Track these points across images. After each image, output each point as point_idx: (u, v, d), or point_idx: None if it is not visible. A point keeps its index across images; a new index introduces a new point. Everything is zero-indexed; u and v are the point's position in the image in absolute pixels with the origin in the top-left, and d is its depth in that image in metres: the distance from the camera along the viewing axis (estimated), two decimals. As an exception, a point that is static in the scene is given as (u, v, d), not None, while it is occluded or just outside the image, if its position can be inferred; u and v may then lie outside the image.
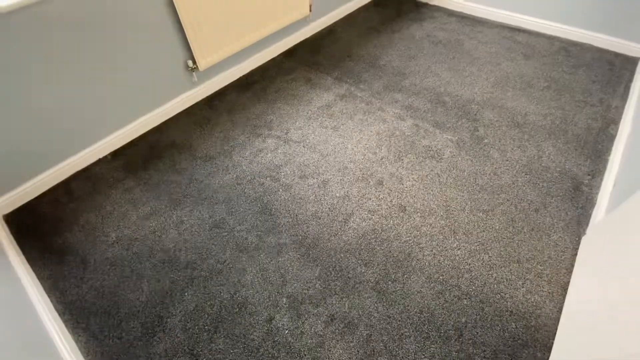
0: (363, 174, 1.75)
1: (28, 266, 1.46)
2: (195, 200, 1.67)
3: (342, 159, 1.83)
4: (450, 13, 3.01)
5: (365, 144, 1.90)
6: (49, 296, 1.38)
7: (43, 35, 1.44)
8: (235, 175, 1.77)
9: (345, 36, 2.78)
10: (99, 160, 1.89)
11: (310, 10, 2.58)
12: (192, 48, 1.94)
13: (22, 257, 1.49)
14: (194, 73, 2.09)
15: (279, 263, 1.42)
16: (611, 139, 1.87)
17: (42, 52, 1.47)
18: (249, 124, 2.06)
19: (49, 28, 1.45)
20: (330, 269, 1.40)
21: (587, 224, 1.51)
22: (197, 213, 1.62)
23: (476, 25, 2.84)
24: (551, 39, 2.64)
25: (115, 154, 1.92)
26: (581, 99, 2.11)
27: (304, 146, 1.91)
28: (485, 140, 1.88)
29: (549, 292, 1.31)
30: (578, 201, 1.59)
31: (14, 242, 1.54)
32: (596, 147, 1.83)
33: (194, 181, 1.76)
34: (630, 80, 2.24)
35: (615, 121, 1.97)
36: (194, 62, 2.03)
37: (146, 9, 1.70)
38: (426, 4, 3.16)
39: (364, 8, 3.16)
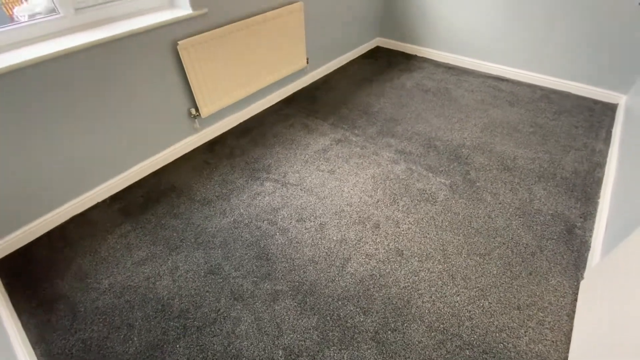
0: (360, 217, 1.77)
1: (15, 316, 1.40)
2: (192, 245, 1.66)
3: (338, 202, 1.86)
4: (438, 64, 3.24)
5: (361, 187, 1.94)
6: (34, 348, 1.31)
7: (46, 85, 1.54)
8: (232, 219, 1.78)
9: (340, 85, 2.96)
10: (97, 204, 1.90)
11: (307, 63, 2.77)
12: (195, 98, 2.05)
13: (10, 305, 1.44)
14: (196, 120, 2.19)
15: (274, 312, 1.38)
16: (599, 182, 1.93)
17: (45, 100, 1.55)
18: (247, 167, 2.12)
19: (53, 79, 1.55)
20: (328, 317, 1.36)
21: (584, 268, 1.51)
22: (192, 258, 1.60)
23: (462, 75, 3.05)
24: (533, 87, 2.83)
25: (114, 198, 1.94)
26: (566, 143, 2.21)
27: (301, 189, 1.95)
28: (478, 184, 1.94)
29: (553, 341, 1.28)
30: (573, 244, 1.60)
31: (3, 290, 1.49)
32: (585, 190, 1.88)
33: (191, 225, 1.76)
34: (611, 125, 2.37)
35: (600, 164, 2.04)
36: (197, 110, 2.14)
37: (155, 63, 1.83)
38: (415, 56, 3.42)
39: (357, 60, 3.39)
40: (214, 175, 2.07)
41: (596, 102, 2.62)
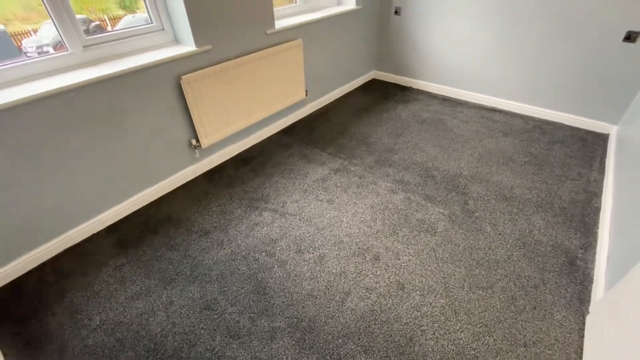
0: (359, 248, 1.75)
1: (1, 357, 1.34)
2: (187, 279, 1.62)
3: (337, 232, 1.85)
4: (432, 96, 3.35)
5: (360, 217, 1.93)
6: (15, 394, 1.24)
7: (49, 120, 1.56)
8: (230, 251, 1.76)
9: (338, 116, 3.03)
10: (93, 236, 1.87)
11: (306, 95, 2.86)
12: (196, 129, 2.09)
13: (-6, 345, 1.37)
14: (196, 150, 2.21)
15: (272, 351, 1.33)
16: (596, 211, 1.94)
17: (46, 134, 1.57)
18: (246, 197, 2.11)
19: (56, 113, 1.58)
20: (328, 357, 1.30)
21: (588, 301, 1.48)
22: (188, 293, 1.56)
23: (456, 106, 3.14)
24: (525, 118, 2.91)
25: (110, 229, 1.91)
26: (561, 173, 2.24)
27: (300, 219, 1.94)
28: (477, 214, 1.94)
29: (563, 382, 1.22)
30: (575, 276, 1.58)
31: (-12, 328, 1.43)
32: (584, 220, 1.88)
33: (188, 257, 1.73)
34: (603, 155, 2.41)
35: (597, 194, 2.06)
36: (197, 141, 2.17)
37: (158, 96, 1.88)
38: (410, 88, 3.53)
39: (355, 92, 3.50)
40: (212, 205, 2.06)
41: (588, 132, 2.69)
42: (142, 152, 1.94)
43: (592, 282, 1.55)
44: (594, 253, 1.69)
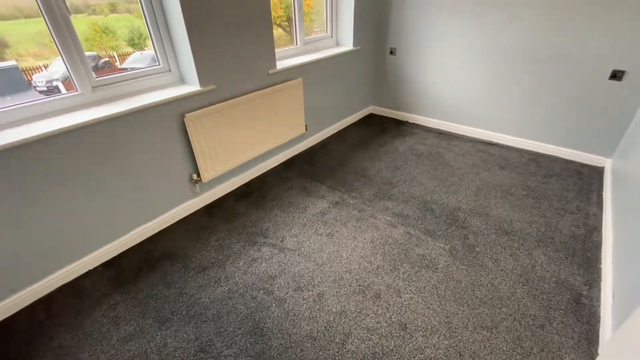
0: (359, 285, 1.72)
1: (-21, 406, 1.26)
2: (183, 318, 1.57)
3: (337, 268, 1.82)
4: (428, 130, 3.44)
5: (360, 252, 1.91)
6: None
7: (52, 158, 1.60)
8: (227, 288, 1.72)
9: (337, 149, 3.10)
10: (89, 272, 1.84)
11: (306, 129, 2.93)
12: (198, 164, 2.13)
13: (-24, 393, 1.30)
14: (197, 185, 2.24)
15: (269, 398, 1.26)
16: (598, 246, 1.92)
17: (48, 172, 1.60)
18: (245, 231, 2.10)
19: (60, 152, 1.61)
20: (327, 404, 1.24)
21: (596, 342, 1.42)
22: (182, 334, 1.50)
23: (452, 139, 3.21)
24: (521, 151, 2.97)
25: (107, 265, 1.88)
26: (559, 206, 2.25)
27: (299, 255, 1.91)
28: (477, 249, 1.92)
29: None
30: (582, 315, 1.53)
31: (-28, 373, 1.37)
32: (586, 255, 1.86)
33: (184, 295, 1.69)
34: (600, 188, 2.44)
35: (597, 228, 2.05)
36: (198, 175, 2.20)
37: (162, 134, 1.93)
38: (406, 122, 3.64)
39: (353, 126, 3.60)
40: (210, 240, 2.05)
41: (583, 165, 2.74)
42: (143, 187, 1.96)
43: (599, 321, 1.51)
44: (599, 290, 1.65)
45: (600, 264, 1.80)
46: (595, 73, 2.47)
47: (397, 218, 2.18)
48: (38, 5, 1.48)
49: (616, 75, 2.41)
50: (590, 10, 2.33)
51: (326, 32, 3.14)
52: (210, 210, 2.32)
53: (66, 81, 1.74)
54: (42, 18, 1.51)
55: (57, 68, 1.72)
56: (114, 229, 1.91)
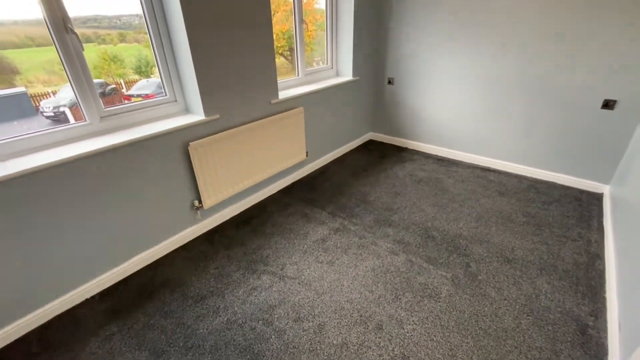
0: (361, 315, 1.68)
1: None
2: (180, 350, 1.53)
3: (338, 297, 1.79)
4: (427, 156, 3.49)
5: (361, 281, 1.89)
6: None
7: (55, 187, 1.62)
8: (226, 319, 1.69)
9: (337, 175, 3.13)
10: (86, 301, 1.81)
11: (306, 156, 2.98)
12: (200, 191, 2.15)
13: None
14: (198, 211, 2.25)
15: None
16: (601, 274, 1.90)
17: (50, 201, 1.62)
18: (245, 259, 2.09)
19: (64, 180, 1.64)
20: None
21: (608, 378, 1.38)
22: (179, 367, 1.46)
23: (451, 166, 3.26)
24: (519, 177, 3.00)
25: (104, 293, 1.86)
26: (560, 233, 2.25)
27: (299, 283, 1.89)
28: (480, 277, 1.90)
29: None
30: (589, 347, 1.49)
31: (-41, 410, 1.32)
32: (590, 284, 1.84)
33: (182, 326, 1.65)
34: (600, 215, 2.44)
35: (599, 256, 2.04)
36: (200, 202, 2.21)
37: (166, 161, 1.97)
38: (405, 148, 3.70)
39: (353, 152, 3.66)
40: (210, 267, 2.03)
41: (582, 191, 2.76)
42: (144, 215, 1.97)
43: (606, 354, 1.46)
44: (605, 321, 1.62)
45: (605, 293, 1.78)
46: (587, 102, 2.55)
47: (398, 245, 2.17)
48: (53, 41, 1.57)
49: (608, 105, 2.48)
50: (580, 43, 2.44)
51: (327, 64, 3.27)
52: (210, 236, 2.31)
53: (73, 107, 1.79)
54: (53, 47, 1.57)
55: (65, 94, 1.76)
56: (113, 257, 1.90)
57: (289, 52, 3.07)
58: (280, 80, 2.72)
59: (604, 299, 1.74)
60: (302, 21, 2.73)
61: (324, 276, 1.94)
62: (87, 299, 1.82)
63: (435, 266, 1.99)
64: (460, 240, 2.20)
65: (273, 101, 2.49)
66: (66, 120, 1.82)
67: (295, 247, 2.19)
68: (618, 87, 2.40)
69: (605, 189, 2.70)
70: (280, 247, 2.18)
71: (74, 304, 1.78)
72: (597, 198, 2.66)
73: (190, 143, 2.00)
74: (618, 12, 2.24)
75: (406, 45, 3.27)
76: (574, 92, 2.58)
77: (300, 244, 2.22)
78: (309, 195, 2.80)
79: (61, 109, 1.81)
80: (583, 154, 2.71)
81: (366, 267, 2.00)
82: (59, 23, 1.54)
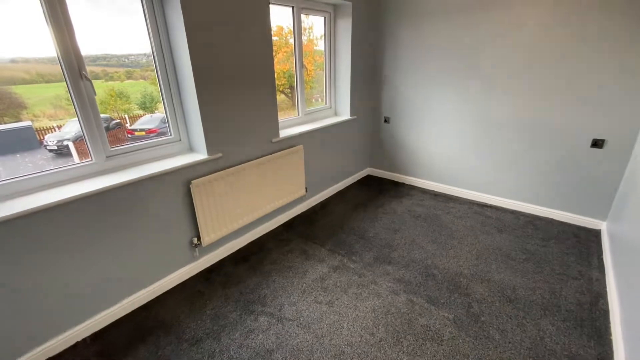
0: (361, 360, 1.62)
1: None
2: (172, 400, 1.46)
3: (338, 341, 1.74)
4: (424, 191, 3.54)
5: (362, 323, 1.84)
6: None
7: (53, 227, 1.63)
8: (221, 364, 1.62)
9: (337, 210, 3.15)
10: (77, 344, 1.74)
11: (306, 191, 3.02)
12: (199, 228, 2.16)
13: None
14: (196, 249, 2.23)
15: None
16: (605, 315, 1.87)
17: (47, 241, 1.62)
18: (242, 299, 2.05)
19: (64, 221, 1.65)
20: None
21: None
22: (171, 419, 1.38)
23: (448, 201, 3.29)
24: (516, 213, 3.02)
25: (96, 336, 1.80)
26: (561, 271, 2.23)
27: (297, 325, 1.84)
28: (482, 318, 1.86)
29: None
30: (601, 396, 1.43)
31: None
32: (595, 325, 1.80)
33: (175, 372, 1.58)
34: (599, 252, 2.44)
35: (602, 295, 2.01)
36: (199, 239, 2.21)
37: (167, 200, 1.99)
38: (403, 184, 3.76)
39: (352, 187, 3.71)
40: (206, 307, 1.98)
41: (579, 228, 2.77)
42: (142, 254, 1.96)
43: (620, 404, 1.40)
44: (614, 366, 1.57)
45: (610, 335, 1.74)
46: (577, 141, 2.65)
47: (398, 284, 2.14)
48: (68, 87, 1.66)
49: (597, 144, 2.58)
50: (568, 86, 2.59)
51: (325, 104, 3.42)
52: (208, 274, 2.28)
53: (77, 141, 1.83)
54: (61, 83, 1.63)
55: (70, 129, 1.81)
56: (109, 297, 1.86)
57: (289, 90, 3.23)
58: (281, 120, 2.83)
59: (610, 341, 1.70)
60: (302, 66, 2.90)
61: (323, 318, 1.89)
62: (77, 342, 1.75)
63: (436, 306, 1.95)
64: (461, 279, 2.18)
65: (274, 140, 2.57)
66: (69, 154, 1.87)
67: (294, 286, 2.15)
68: (606, 127, 2.51)
69: (602, 226, 2.72)
70: (278, 286, 2.15)
71: (63, 348, 1.71)
72: (595, 235, 2.67)
73: (193, 181, 2.04)
74: (603, 58, 2.40)
75: (400, 88, 3.44)
76: (564, 132, 2.68)
77: (299, 282, 2.18)
78: (309, 230, 2.80)
79: (65, 143, 1.86)
80: (578, 191, 2.76)
81: (366, 307, 1.96)
82: (75, 71, 1.64)
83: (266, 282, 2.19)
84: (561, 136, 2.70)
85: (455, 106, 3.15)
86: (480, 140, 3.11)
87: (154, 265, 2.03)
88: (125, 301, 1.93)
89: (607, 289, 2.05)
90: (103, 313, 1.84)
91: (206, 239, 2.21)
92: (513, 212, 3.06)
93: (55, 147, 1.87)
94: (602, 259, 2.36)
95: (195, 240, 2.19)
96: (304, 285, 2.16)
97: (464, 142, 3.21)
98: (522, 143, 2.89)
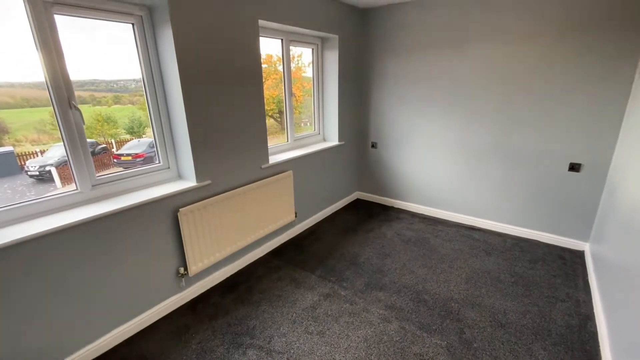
0: (354, 394, 1.57)
1: None
2: None
3: (330, 374, 1.68)
4: (413, 214, 3.58)
5: (354, 354, 1.80)
6: None
7: (34, 260, 1.57)
8: (208, 404, 1.53)
9: (326, 236, 3.14)
10: (50, 387, 1.63)
11: (295, 217, 3.01)
12: (186, 257, 2.11)
13: None
14: (182, 279, 2.17)
15: None
16: (594, 337, 1.88)
17: (28, 275, 1.55)
18: (230, 331, 1.97)
19: (44, 254, 1.60)
20: None
21: None
22: None
23: (437, 224, 3.33)
24: (503, 236, 3.08)
25: (73, 377, 1.68)
26: (549, 294, 2.25)
27: (288, 359, 1.77)
28: (475, 345, 1.84)
29: None
30: None
31: None
32: (585, 348, 1.81)
33: (158, 415, 1.49)
34: (585, 273, 2.49)
35: (590, 317, 2.04)
36: (185, 269, 2.15)
37: (154, 228, 1.95)
38: (392, 207, 3.79)
39: (341, 211, 3.72)
40: (192, 341, 1.90)
41: (564, 249, 2.83)
42: (126, 286, 1.89)
43: None
44: (607, 391, 1.56)
45: (600, 357, 1.74)
46: (555, 166, 2.77)
47: (390, 311, 2.12)
48: (56, 116, 1.65)
49: (574, 168, 2.70)
50: (546, 114, 2.73)
51: (314, 130, 3.49)
52: (194, 305, 2.20)
53: (59, 167, 1.80)
54: (45, 108, 1.60)
55: (53, 154, 1.77)
56: (89, 332, 1.76)
57: (278, 115, 3.29)
58: (271, 146, 2.86)
59: (602, 365, 1.70)
60: (291, 94, 2.99)
61: (314, 349, 1.83)
62: (52, 385, 1.64)
63: (429, 333, 1.93)
64: (452, 304, 2.17)
65: (263, 166, 2.59)
66: (51, 180, 1.82)
67: (284, 316, 2.10)
68: (582, 152, 2.63)
69: (585, 247, 2.79)
70: (267, 317, 2.09)
71: (36, 392, 1.59)
72: (579, 256, 2.73)
73: (180, 209, 2.01)
74: (575, 90, 2.56)
75: (387, 115, 3.56)
76: (542, 157, 2.80)
77: (289, 312, 2.13)
78: (298, 257, 2.77)
79: (47, 168, 1.81)
80: (560, 213, 2.85)
81: (358, 337, 1.91)
82: (64, 100, 1.65)
83: (255, 313, 2.12)
84: (540, 161, 2.82)
85: (440, 133, 3.26)
86: (465, 165, 3.21)
87: (138, 298, 1.96)
88: (108, 336, 1.83)
89: (595, 311, 2.08)
90: (84, 349, 1.74)
91: (193, 269, 2.16)
92: (500, 234, 3.11)
93: (37, 173, 1.81)
94: (587, 281, 2.40)
95: (181, 270, 2.13)
96: (294, 314, 2.11)
97: (450, 166, 3.30)
98: (504, 168, 3.00)
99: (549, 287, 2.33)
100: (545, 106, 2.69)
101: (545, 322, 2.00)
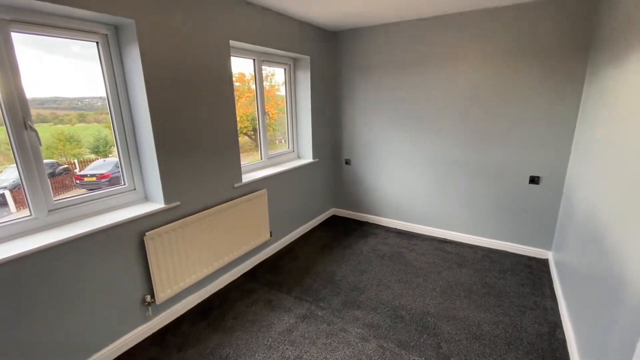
0: (333, 421, 1.50)
1: None
2: None
3: (308, 401, 1.61)
4: (388, 229, 3.62)
5: (332, 377, 1.74)
6: None
7: (-4, 293, 1.42)
8: None
9: (303, 254, 3.09)
10: None
11: (270, 236, 2.95)
12: (154, 284, 1.98)
13: None
14: (149, 307, 2.03)
15: None
16: (563, 344, 1.95)
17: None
18: (201, 361, 1.86)
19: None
20: None
21: None
22: None
23: (411, 239, 3.39)
24: (474, 248, 3.17)
25: None
26: (519, 303, 2.33)
27: (264, 387, 1.69)
28: (452, 359, 1.85)
29: None
30: None
31: None
32: (555, 356, 1.86)
33: None
34: (550, 281, 2.60)
35: (557, 324, 2.11)
36: (152, 297, 2.02)
37: (117, 255, 1.83)
38: (367, 222, 3.82)
39: (317, 228, 3.70)
40: (159, 376, 1.76)
41: (530, 258, 2.96)
42: (85, 318, 1.73)
43: None
44: (577, 397, 1.61)
45: (570, 365, 1.80)
46: (516, 178, 2.93)
47: (368, 330, 2.09)
48: (9, 136, 1.54)
49: (534, 180, 2.86)
50: (505, 129, 2.90)
51: (288, 147, 3.49)
52: (162, 336, 2.06)
53: (15, 190, 1.66)
54: (2, 127, 1.51)
55: (7, 176, 1.65)
56: (39, 375, 1.59)
57: (252, 132, 3.26)
58: (244, 164, 2.82)
59: (571, 372, 1.76)
60: (264, 112, 2.99)
61: (291, 375, 1.76)
62: None
63: (407, 350, 1.91)
64: (429, 318, 2.18)
65: (236, 185, 2.53)
66: (5, 204, 1.68)
67: (259, 341, 2.01)
68: (540, 166, 2.81)
69: (549, 255, 2.94)
70: (241, 344, 1.99)
71: None
72: (545, 264, 2.86)
73: (147, 233, 1.91)
74: (533, 107, 2.76)
75: (359, 132, 3.64)
76: (505, 170, 2.96)
77: (265, 337, 2.04)
78: (274, 278, 2.69)
79: (0, 192, 1.68)
80: (524, 223, 2.99)
81: (337, 359, 1.86)
82: (18, 120, 1.54)
83: (228, 340, 2.02)
84: (502, 175, 2.98)
85: (410, 148, 3.38)
86: (435, 179, 3.32)
87: (98, 331, 1.80)
88: (59, 378, 1.66)
89: (562, 318, 2.16)
90: (30, 396, 1.56)
91: (161, 296, 2.03)
92: (470, 246, 3.21)
93: None
94: (553, 288, 2.51)
95: (148, 298, 2.00)
96: (270, 339, 2.02)
97: (421, 181, 3.40)
98: (471, 181, 3.13)
99: (518, 296, 2.41)
100: (503, 124, 2.87)
101: (517, 331, 2.06)
